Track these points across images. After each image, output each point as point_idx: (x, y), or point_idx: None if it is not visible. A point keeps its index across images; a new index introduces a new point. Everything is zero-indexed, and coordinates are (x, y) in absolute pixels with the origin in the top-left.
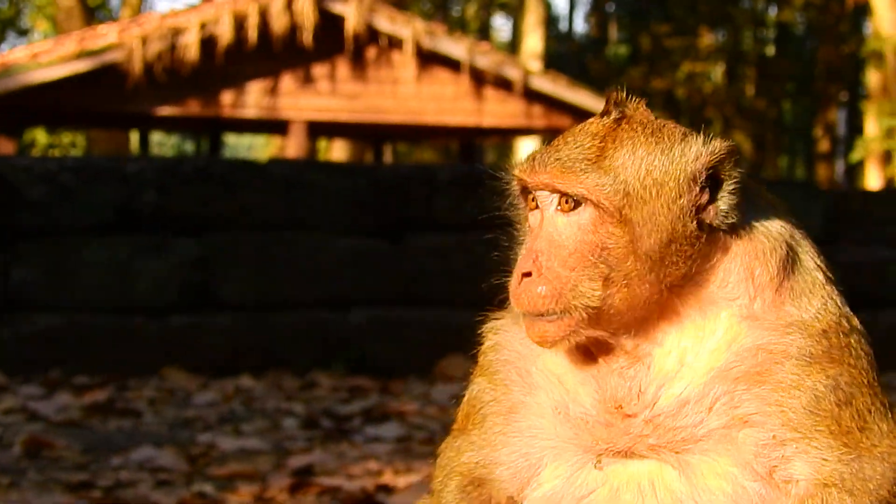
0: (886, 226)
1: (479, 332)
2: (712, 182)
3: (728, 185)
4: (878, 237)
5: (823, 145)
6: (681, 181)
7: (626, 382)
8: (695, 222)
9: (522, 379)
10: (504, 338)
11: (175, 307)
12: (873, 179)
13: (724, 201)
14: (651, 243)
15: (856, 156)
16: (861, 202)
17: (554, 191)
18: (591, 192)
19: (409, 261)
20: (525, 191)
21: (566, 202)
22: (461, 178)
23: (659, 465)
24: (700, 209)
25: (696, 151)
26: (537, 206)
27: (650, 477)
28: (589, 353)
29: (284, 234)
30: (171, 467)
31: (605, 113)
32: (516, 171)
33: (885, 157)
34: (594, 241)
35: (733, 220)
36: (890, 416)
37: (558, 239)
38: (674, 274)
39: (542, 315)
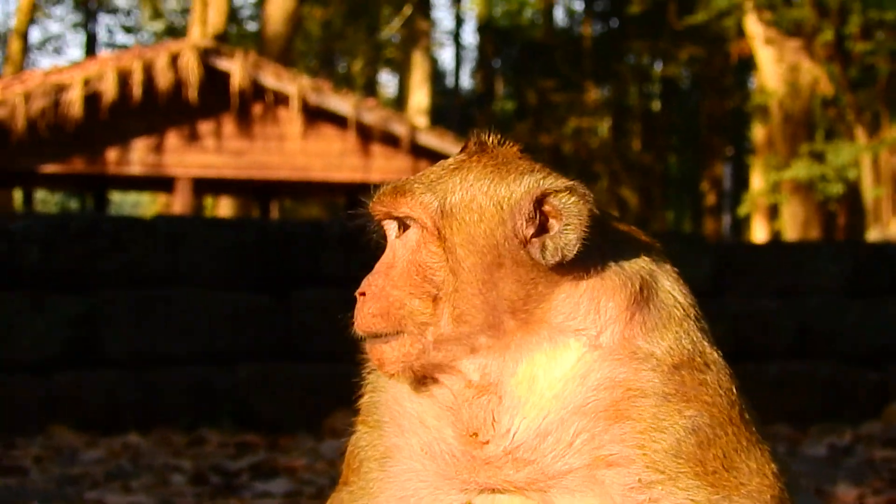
0: (772, 278)
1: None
2: (545, 216)
3: (563, 222)
4: (764, 289)
5: (710, 199)
6: (504, 209)
7: (478, 411)
8: (525, 252)
9: (395, 421)
10: (380, 380)
11: (59, 364)
12: (759, 233)
13: (557, 237)
14: (471, 264)
15: (742, 210)
16: (748, 255)
17: (390, 217)
18: (413, 211)
19: (295, 316)
20: (374, 221)
21: (400, 226)
22: (348, 234)
23: None
24: (527, 241)
25: (529, 184)
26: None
27: None
28: (443, 389)
29: (170, 290)
30: None
31: (465, 148)
32: (367, 206)
33: (771, 211)
34: (418, 259)
35: (570, 256)
36: (759, 452)
37: (391, 260)
38: (512, 299)
39: (378, 336)
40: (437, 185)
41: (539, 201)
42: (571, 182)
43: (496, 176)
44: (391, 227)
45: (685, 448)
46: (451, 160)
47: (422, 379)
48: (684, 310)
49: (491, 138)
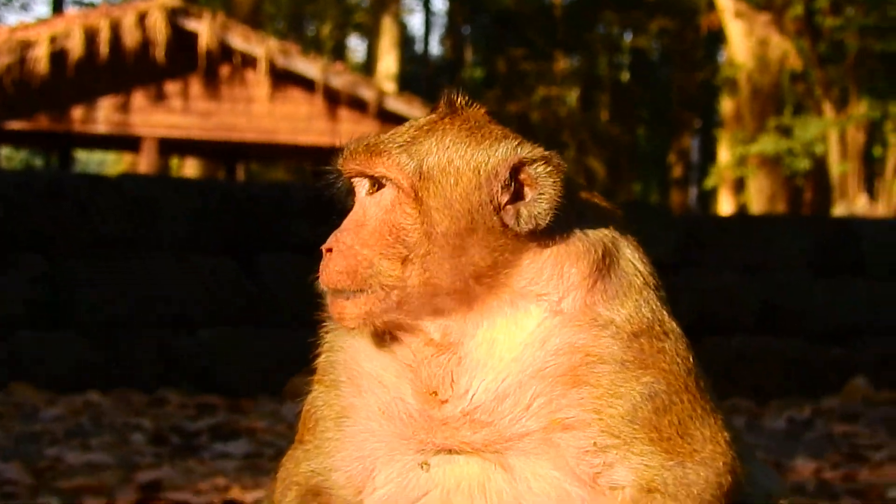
0: (738, 252)
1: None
2: (520, 184)
3: (537, 191)
4: (729, 262)
5: (677, 171)
6: (480, 174)
7: (437, 370)
8: (498, 218)
9: (352, 381)
10: (337, 339)
11: (22, 323)
12: (725, 206)
13: (531, 205)
14: (445, 228)
15: (709, 183)
16: (713, 228)
17: (363, 175)
18: (390, 171)
19: (259, 280)
20: (341, 178)
21: (373, 185)
22: (315, 198)
23: (486, 467)
24: (500, 207)
25: (506, 151)
26: (355, 193)
27: (479, 480)
28: (404, 347)
29: (134, 252)
30: (16, 480)
31: (436, 109)
32: (337, 161)
33: (738, 185)
34: (392, 220)
35: (542, 224)
36: (713, 420)
37: (361, 218)
38: (479, 265)
39: (341, 292)
40: (414, 146)
41: (516, 169)
42: (547, 152)
43: (472, 140)
44: (362, 185)
45: (641, 414)
46: (422, 120)
47: (382, 335)
48: (644, 279)
49: (460, 100)
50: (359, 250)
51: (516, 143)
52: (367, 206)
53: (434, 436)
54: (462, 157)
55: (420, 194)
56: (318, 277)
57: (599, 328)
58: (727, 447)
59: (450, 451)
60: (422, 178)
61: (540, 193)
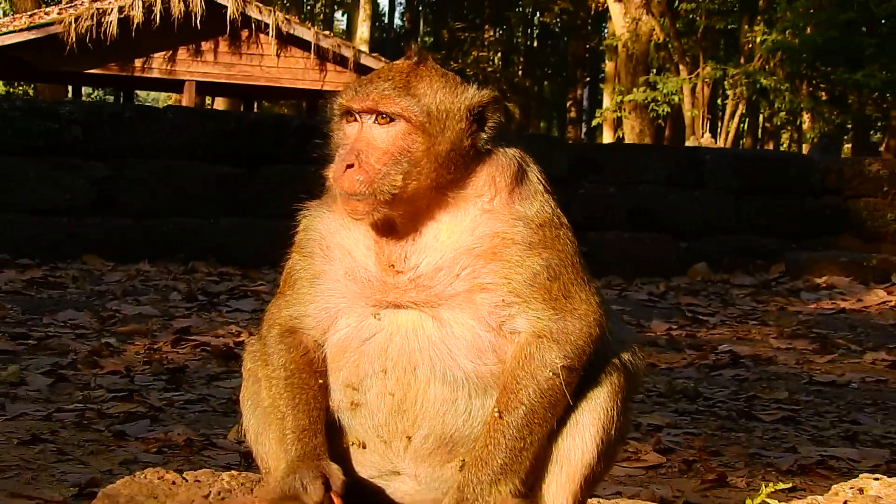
0: (614, 171)
1: (296, 218)
2: (479, 116)
3: (490, 121)
4: (608, 179)
5: (572, 113)
6: (461, 111)
7: (398, 250)
8: (469, 142)
9: (324, 252)
10: (312, 221)
11: (91, 211)
12: (607, 139)
13: (487, 131)
14: (440, 150)
15: (595, 121)
16: (596, 153)
17: (374, 111)
18: (405, 112)
19: (262, 184)
20: (347, 112)
21: (383, 118)
22: (305, 126)
23: (422, 317)
24: (470, 133)
25: (472, 94)
26: (356, 121)
27: (414, 325)
28: (378, 230)
29: (173, 161)
30: (86, 325)
31: (408, 57)
32: (344, 100)
33: (616, 124)
34: (402, 146)
35: (489, 146)
36: (588, 288)
37: (375, 143)
38: (446, 177)
39: (356, 195)
40: (412, 90)
41: (482, 106)
42: (496, 94)
43: (449, 86)
44: (369, 118)
45: (538, 280)
46: (402, 65)
47: (372, 222)
48: (545, 186)
49: (422, 52)
50: (373, 165)
51: (476, 88)
52: (377, 135)
53: (387, 296)
54: (450, 99)
55: (426, 128)
56: (326, 181)
57: (515, 219)
58: (597, 307)
59: (397, 307)
60: (427, 116)
61: (493, 124)
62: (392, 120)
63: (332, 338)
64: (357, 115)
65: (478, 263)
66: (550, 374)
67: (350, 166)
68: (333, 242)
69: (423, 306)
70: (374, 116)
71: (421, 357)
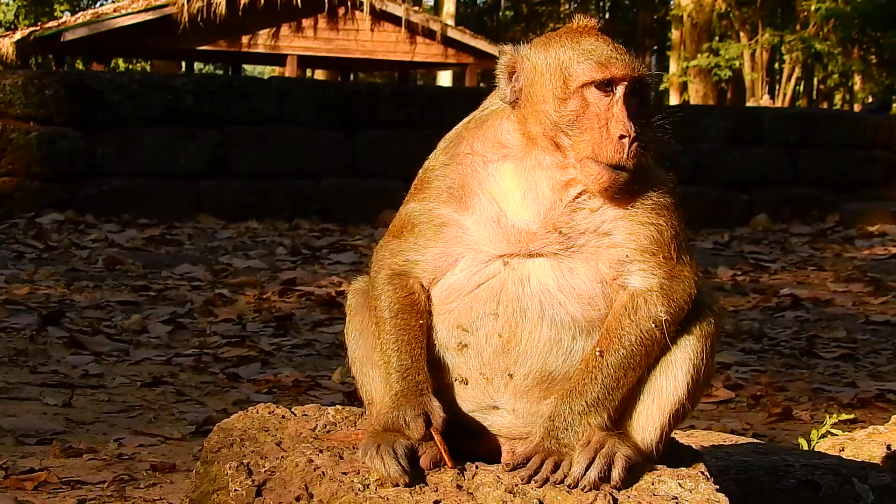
0: (680, 129)
1: (424, 168)
2: None
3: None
4: (674, 137)
5: None
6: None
7: (572, 213)
8: None
9: (458, 202)
10: (444, 171)
11: (203, 174)
12: (674, 101)
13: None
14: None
15: (662, 86)
16: (664, 114)
17: (633, 79)
18: (652, 80)
19: (359, 147)
20: (602, 84)
21: (632, 87)
22: (398, 93)
23: (544, 264)
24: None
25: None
26: (610, 92)
27: (534, 273)
28: (551, 192)
29: (277, 128)
30: (201, 278)
31: (583, 25)
32: (598, 73)
33: (682, 87)
34: (646, 114)
35: None
36: (689, 254)
37: (634, 112)
38: None
39: (626, 168)
40: (634, 56)
41: None
42: None
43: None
44: (620, 87)
45: (659, 241)
46: (594, 31)
47: (603, 189)
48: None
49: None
50: (643, 135)
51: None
52: (629, 103)
53: (528, 246)
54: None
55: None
56: (618, 155)
57: (653, 185)
58: (695, 270)
59: (528, 256)
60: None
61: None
62: (643, 87)
63: (446, 282)
64: (613, 86)
65: (612, 224)
66: (653, 325)
67: (622, 136)
68: (480, 189)
69: (553, 257)
70: (624, 85)
71: (531, 302)
